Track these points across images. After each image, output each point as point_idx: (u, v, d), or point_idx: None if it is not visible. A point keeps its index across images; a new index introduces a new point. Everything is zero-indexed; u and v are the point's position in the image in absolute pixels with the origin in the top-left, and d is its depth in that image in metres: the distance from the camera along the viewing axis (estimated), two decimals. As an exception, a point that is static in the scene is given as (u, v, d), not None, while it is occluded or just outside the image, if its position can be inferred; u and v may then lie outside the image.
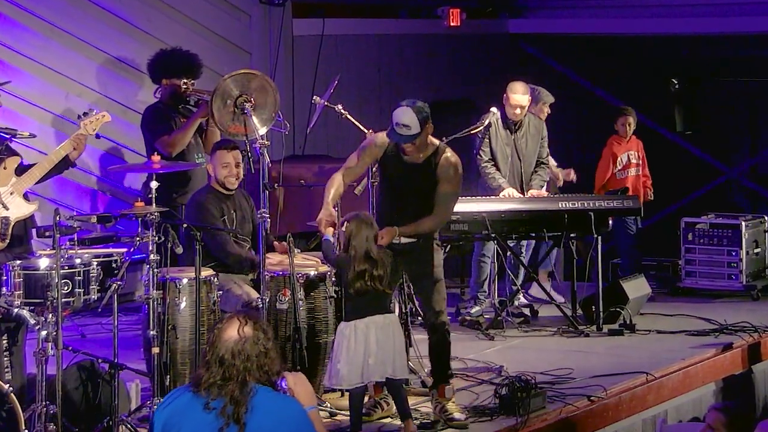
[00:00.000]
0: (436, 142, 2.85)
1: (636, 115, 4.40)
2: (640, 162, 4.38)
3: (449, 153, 2.83)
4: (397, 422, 2.80)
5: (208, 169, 3.19)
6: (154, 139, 3.58)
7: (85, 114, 2.90)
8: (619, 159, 4.35)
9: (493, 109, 3.88)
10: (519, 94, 3.85)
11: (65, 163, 2.87)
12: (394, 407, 2.79)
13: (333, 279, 3.03)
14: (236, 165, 3.13)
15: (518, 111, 3.86)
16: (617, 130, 4.38)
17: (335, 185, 2.81)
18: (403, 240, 2.76)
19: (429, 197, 2.79)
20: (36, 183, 2.88)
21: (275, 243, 3.12)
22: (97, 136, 2.94)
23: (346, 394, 2.83)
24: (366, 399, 2.86)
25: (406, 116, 2.74)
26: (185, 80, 3.67)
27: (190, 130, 3.57)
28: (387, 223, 2.78)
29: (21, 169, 2.86)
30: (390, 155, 2.83)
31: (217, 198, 3.16)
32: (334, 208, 2.78)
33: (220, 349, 1.74)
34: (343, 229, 2.70)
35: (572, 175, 4.31)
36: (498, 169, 3.88)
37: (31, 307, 2.63)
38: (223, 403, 1.71)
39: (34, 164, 2.89)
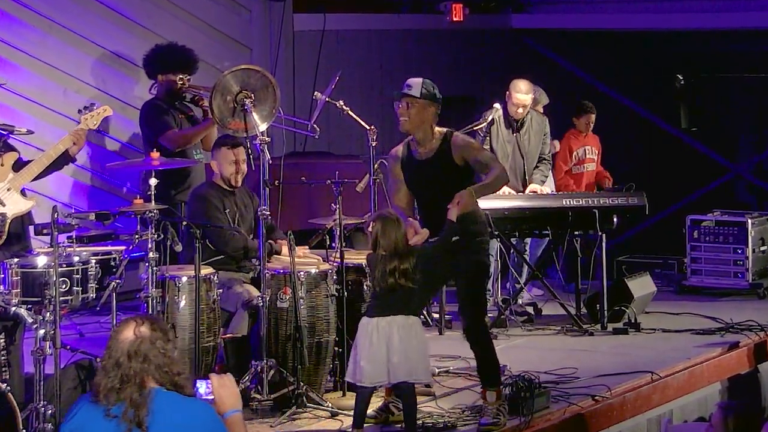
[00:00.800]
0: (443, 129, 2.82)
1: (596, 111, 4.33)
2: (596, 157, 4.32)
3: (457, 134, 2.81)
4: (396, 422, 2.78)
5: (212, 166, 3.16)
6: (156, 135, 3.55)
7: (86, 108, 2.87)
8: (574, 153, 4.29)
9: (496, 105, 3.84)
10: (522, 93, 3.81)
11: (65, 158, 2.83)
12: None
13: (334, 277, 3.01)
14: (242, 161, 3.12)
15: (521, 110, 3.83)
16: (577, 125, 4.30)
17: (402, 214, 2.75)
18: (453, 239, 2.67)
19: (453, 185, 2.74)
20: (35, 179, 2.85)
21: (278, 242, 3.06)
22: (98, 131, 2.91)
23: (348, 394, 2.81)
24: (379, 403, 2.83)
25: (414, 79, 2.77)
26: (181, 76, 3.63)
27: (202, 132, 3.54)
28: (427, 226, 2.71)
29: (19, 166, 2.83)
30: (406, 162, 2.80)
31: (219, 193, 3.14)
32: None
33: (116, 352, 1.67)
34: (370, 229, 2.67)
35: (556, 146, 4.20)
36: None
37: (29, 306, 2.61)
38: (123, 409, 1.65)
39: (32, 160, 2.85)
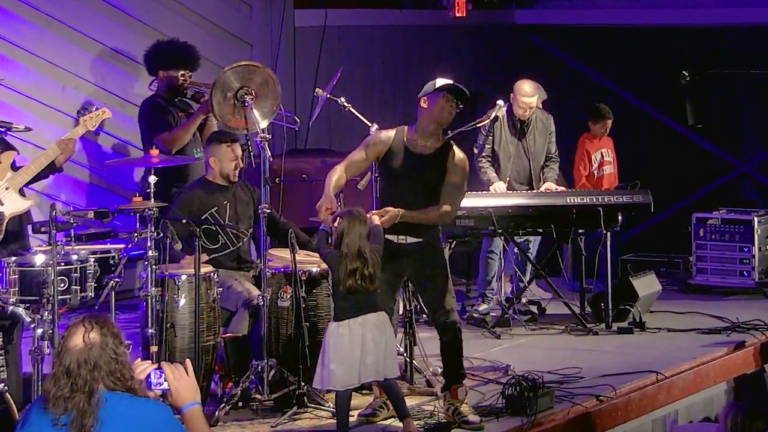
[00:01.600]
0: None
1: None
2: (613, 160, 4.29)
3: (456, 148, 2.83)
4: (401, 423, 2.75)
5: (211, 163, 3.11)
6: (153, 134, 3.52)
7: (84, 109, 2.88)
8: (593, 157, 4.26)
9: (500, 102, 3.79)
10: (528, 97, 3.78)
11: (51, 168, 2.80)
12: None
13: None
14: (240, 156, 3.09)
15: (527, 112, 3.80)
16: (592, 130, 4.25)
17: (336, 176, 2.76)
18: (409, 240, 2.70)
19: (437, 189, 2.76)
20: (29, 183, 2.81)
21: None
22: (97, 132, 2.88)
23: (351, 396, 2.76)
24: (372, 400, 2.81)
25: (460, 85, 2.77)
26: (182, 72, 3.60)
27: (192, 127, 3.51)
28: (397, 223, 2.72)
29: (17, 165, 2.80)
30: (396, 150, 2.79)
31: (210, 190, 3.09)
32: (336, 198, 2.73)
33: (65, 360, 1.62)
34: (336, 225, 2.64)
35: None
36: (499, 167, 3.82)
37: (27, 305, 2.58)
38: (72, 418, 1.60)
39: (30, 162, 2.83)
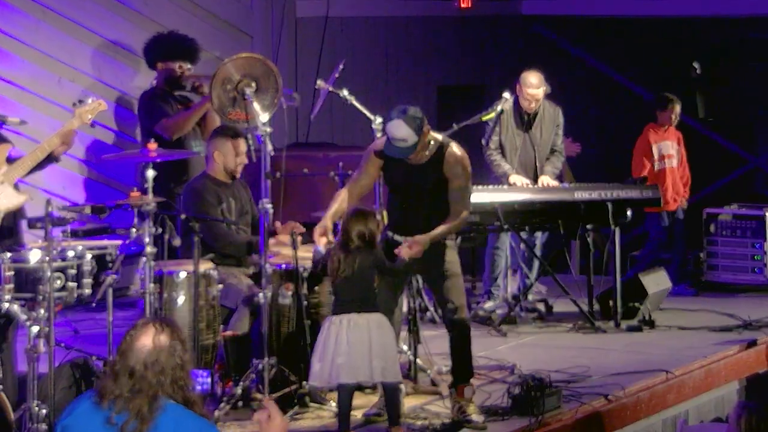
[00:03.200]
0: (439, 137, 2.75)
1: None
2: (678, 155, 4.17)
3: (454, 147, 2.74)
4: (407, 421, 2.70)
5: (215, 157, 3.05)
6: (153, 123, 3.49)
7: (80, 101, 2.80)
8: (654, 149, 4.15)
9: (506, 95, 3.73)
10: (533, 88, 3.72)
11: (49, 159, 2.75)
12: (405, 407, 2.70)
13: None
14: (244, 152, 3.05)
15: (533, 104, 3.75)
16: (660, 119, 4.14)
17: (339, 200, 2.73)
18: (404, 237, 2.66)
19: (438, 195, 2.71)
20: (25, 175, 2.75)
21: (277, 224, 3.00)
22: (93, 124, 2.81)
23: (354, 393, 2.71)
24: (377, 399, 2.76)
25: (400, 130, 2.64)
26: (180, 64, 3.56)
27: (196, 115, 3.49)
28: (400, 228, 2.70)
29: (11, 159, 2.74)
30: (391, 161, 2.72)
31: (215, 186, 3.06)
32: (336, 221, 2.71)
33: (130, 359, 1.57)
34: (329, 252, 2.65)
35: (576, 149, 4.13)
36: (506, 159, 3.76)
37: (22, 302, 2.54)
38: (125, 419, 1.55)
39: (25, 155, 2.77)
